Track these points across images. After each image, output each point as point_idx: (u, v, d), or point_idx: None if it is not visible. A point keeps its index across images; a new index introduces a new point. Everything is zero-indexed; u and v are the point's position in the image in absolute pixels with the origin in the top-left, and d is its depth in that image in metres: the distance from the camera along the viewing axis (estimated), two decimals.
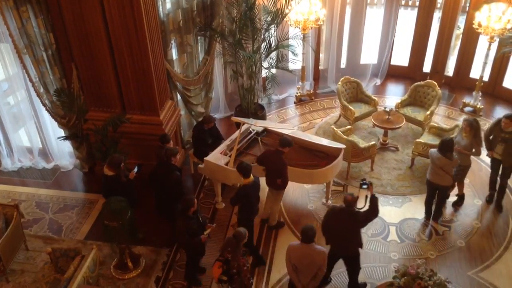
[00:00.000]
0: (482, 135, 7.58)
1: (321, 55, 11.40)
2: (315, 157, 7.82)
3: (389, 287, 5.69)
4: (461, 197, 7.91)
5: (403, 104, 9.62)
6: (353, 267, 6.33)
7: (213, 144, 8.13)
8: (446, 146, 6.89)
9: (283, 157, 6.91)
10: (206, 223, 6.37)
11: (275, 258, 7.11)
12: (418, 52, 11.16)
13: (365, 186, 6.07)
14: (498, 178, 7.70)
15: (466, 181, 8.01)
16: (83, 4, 6.96)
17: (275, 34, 9.24)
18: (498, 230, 7.50)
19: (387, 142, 9.27)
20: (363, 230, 7.44)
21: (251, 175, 6.39)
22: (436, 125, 9.01)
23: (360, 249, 6.18)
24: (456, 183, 7.74)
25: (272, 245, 7.33)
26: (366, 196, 6.10)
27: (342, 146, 7.92)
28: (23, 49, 7.40)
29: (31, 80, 7.69)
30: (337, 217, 5.97)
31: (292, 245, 5.83)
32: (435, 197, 7.46)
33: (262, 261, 7.01)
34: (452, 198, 7.94)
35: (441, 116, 10.17)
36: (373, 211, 5.96)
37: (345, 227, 5.96)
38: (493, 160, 7.60)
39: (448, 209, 7.89)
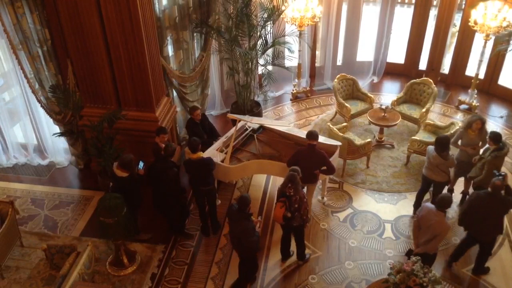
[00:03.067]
0: None
1: (318, 52, 11.40)
2: None
3: (384, 283, 5.71)
4: (464, 195, 7.92)
5: (399, 101, 9.64)
6: (486, 252, 6.58)
7: (209, 140, 8.13)
8: (441, 145, 6.88)
9: (317, 149, 6.98)
10: None
11: (271, 255, 7.11)
12: (414, 49, 11.18)
13: (500, 177, 6.28)
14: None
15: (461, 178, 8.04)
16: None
17: (271, 31, 9.24)
18: None
19: (382, 139, 9.29)
20: (359, 227, 7.53)
21: (201, 153, 6.90)
22: (432, 122, 9.03)
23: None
24: (454, 179, 7.84)
25: (268, 240, 7.34)
26: None
27: (338, 143, 7.93)
28: (18, 45, 7.37)
29: (26, 76, 7.66)
30: (484, 201, 6.18)
31: (426, 205, 6.19)
32: (427, 192, 7.53)
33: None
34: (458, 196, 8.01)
35: (436, 114, 10.20)
36: None
37: (491, 212, 6.17)
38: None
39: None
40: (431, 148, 7.11)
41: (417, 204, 7.66)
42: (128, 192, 6.46)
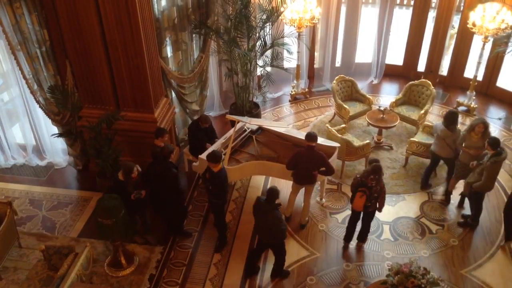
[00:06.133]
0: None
1: (316, 54, 11.41)
2: None
3: (383, 285, 5.71)
4: (463, 196, 7.94)
5: (397, 103, 9.65)
6: None
7: (208, 143, 8.11)
8: (450, 119, 7.47)
9: (316, 150, 7.03)
10: None
11: (270, 256, 7.10)
12: (412, 51, 11.20)
13: None
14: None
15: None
16: (77, 0, 6.92)
17: (270, 32, 9.25)
18: (491, 228, 7.54)
19: (381, 141, 9.29)
20: (357, 228, 7.52)
21: (220, 164, 6.70)
22: (430, 124, 9.02)
23: None
24: (455, 180, 7.86)
25: None
26: None
27: (337, 144, 7.94)
28: (16, 46, 7.36)
29: (24, 77, 7.65)
30: None
31: None
32: (434, 169, 8.18)
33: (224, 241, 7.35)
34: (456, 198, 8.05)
35: (435, 115, 10.21)
36: None
37: None
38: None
39: (443, 208, 7.95)
40: (439, 123, 7.70)
41: (425, 180, 8.24)
42: (123, 195, 6.43)
